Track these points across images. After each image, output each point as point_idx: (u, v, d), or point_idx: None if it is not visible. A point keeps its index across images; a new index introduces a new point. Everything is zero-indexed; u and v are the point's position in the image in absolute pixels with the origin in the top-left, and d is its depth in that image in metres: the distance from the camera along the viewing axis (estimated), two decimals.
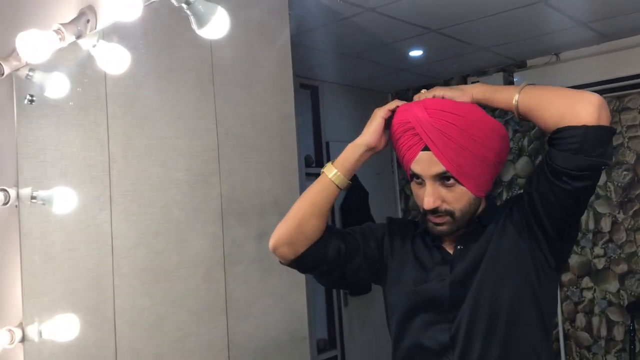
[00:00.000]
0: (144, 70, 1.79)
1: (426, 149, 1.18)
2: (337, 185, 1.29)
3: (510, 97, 1.16)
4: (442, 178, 1.18)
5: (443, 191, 1.19)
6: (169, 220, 1.84)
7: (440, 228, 1.21)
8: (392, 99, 1.32)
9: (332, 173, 1.29)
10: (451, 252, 1.27)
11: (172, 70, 1.89)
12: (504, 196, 3.79)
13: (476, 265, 1.21)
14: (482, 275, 1.20)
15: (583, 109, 1.06)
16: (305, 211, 1.29)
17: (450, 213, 1.19)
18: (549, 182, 1.11)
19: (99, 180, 1.69)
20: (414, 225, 1.37)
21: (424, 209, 1.21)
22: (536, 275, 1.20)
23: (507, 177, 3.79)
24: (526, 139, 3.72)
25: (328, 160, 3.89)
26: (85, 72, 1.53)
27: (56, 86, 1.41)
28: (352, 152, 1.30)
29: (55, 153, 1.59)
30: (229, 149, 2.01)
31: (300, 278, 2.22)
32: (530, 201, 1.17)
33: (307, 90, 3.78)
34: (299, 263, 1.30)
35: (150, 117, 1.82)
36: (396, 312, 1.30)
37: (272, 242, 1.30)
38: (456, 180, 1.18)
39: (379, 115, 1.29)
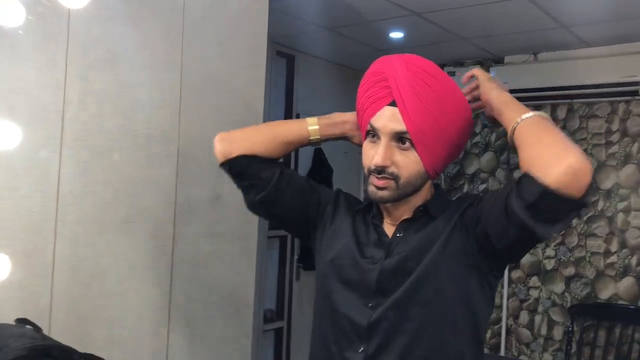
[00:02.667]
0: (110, 11, 1.71)
1: (393, 104, 1.14)
2: (309, 137, 1.32)
3: (516, 116, 1.09)
4: (400, 139, 1.14)
5: (396, 153, 1.15)
6: (121, 171, 1.78)
7: (381, 193, 1.16)
8: None
9: (314, 127, 1.32)
10: (389, 235, 1.23)
11: (141, 15, 1.81)
12: (465, 189, 3.82)
13: (416, 260, 1.16)
14: (422, 273, 1.14)
15: (555, 168, 0.95)
16: (265, 129, 1.37)
17: (395, 177, 1.15)
18: (501, 215, 1.05)
19: (51, 121, 1.62)
20: (359, 202, 1.34)
21: (369, 168, 1.17)
22: (478, 284, 1.16)
23: (470, 170, 3.81)
24: (494, 134, 3.74)
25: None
26: (46, 3, 1.45)
27: (10, 13, 1.32)
28: (340, 121, 1.33)
29: (4, 85, 1.51)
30: (191, 106, 1.95)
31: (251, 246, 2.20)
32: (483, 215, 1.12)
33: (283, 58, 3.71)
34: (230, 163, 1.32)
35: (112, 62, 1.74)
36: (321, 281, 1.27)
37: (220, 134, 1.36)
38: (412, 145, 1.14)
39: None
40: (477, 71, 1.25)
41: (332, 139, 1.35)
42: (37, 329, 1.43)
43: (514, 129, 1.08)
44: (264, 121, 2.26)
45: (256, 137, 1.33)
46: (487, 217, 1.10)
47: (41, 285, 1.61)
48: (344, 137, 1.35)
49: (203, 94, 2.00)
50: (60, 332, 1.62)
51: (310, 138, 1.32)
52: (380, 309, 1.16)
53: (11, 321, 1.42)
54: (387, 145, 1.14)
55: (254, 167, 1.31)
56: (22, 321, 1.42)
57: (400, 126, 1.13)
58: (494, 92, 1.19)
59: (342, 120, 1.33)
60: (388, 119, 1.14)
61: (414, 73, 1.15)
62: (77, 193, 1.68)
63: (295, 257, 3.79)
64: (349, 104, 1.37)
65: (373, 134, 1.17)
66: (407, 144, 1.14)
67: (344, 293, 1.21)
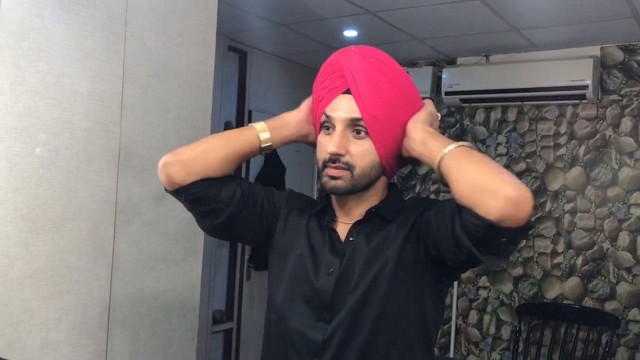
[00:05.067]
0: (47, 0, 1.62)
1: (347, 92, 1.12)
2: (260, 145, 1.22)
3: (440, 149, 1.05)
4: (354, 127, 1.12)
5: (351, 142, 1.12)
6: (58, 166, 1.69)
7: (335, 182, 1.13)
8: None
9: (263, 133, 1.21)
10: (342, 238, 1.19)
11: (80, 3, 1.71)
12: (417, 189, 3.83)
13: (369, 269, 1.13)
14: (374, 283, 1.12)
15: (495, 203, 0.92)
16: (217, 143, 1.22)
17: (350, 167, 1.12)
18: (449, 239, 1.03)
19: None
20: (313, 203, 1.30)
21: (324, 158, 1.14)
22: (428, 292, 1.15)
23: (422, 170, 3.83)
24: (446, 134, 3.77)
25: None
26: None
27: None
28: (287, 122, 1.25)
29: None
30: (134, 99, 1.87)
31: (197, 246, 2.12)
32: (433, 231, 1.09)
33: (236, 53, 3.63)
34: (187, 190, 1.17)
35: (48, 51, 1.65)
36: (275, 296, 1.22)
37: (166, 158, 1.18)
38: (367, 134, 1.12)
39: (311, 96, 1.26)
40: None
41: (286, 143, 1.27)
42: None
43: (441, 160, 1.04)
44: (213, 116, 2.20)
45: (211, 158, 1.19)
46: (435, 235, 1.08)
47: None
48: (297, 139, 1.28)
49: (147, 87, 1.92)
50: None
51: (262, 146, 1.22)
52: (335, 322, 1.13)
53: None
54: (342, 133, 1.12)
55: (212, 190, 1.18)
56: None
57: (355, 113, 1.12)
58: (412, 143, 1.14)
59: (295, 121, 1.26)
60: (343, 107, 1.13)
61: (368, 61, 1.14)
62: (8, 189, 1.57)
63: (246, 256, 3.72)
64: (301, 100, 1.32)
65: (328, 125, 1.15)
66: (362, 133, 1.12)
67: (295, 308, 1.17)
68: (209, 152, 1.19)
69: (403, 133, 1.15)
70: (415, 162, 1.17)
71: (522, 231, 0.96)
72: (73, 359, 1.74)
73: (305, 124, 1.26)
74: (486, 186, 0.95)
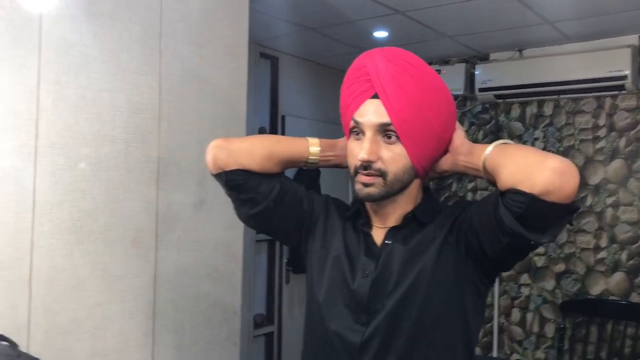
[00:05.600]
0: (84, 14, 1.66)
1: (375, 97, 1.11)
2: (308, 157, 1.26)
3: (483, 149, 1.09)
4: (384, 132, 1.11)
5: (382, 148, 1.11)
6: (100, 178, 1.73)
7: (368, 190, 1.13)
8: None
9: (314, 147, 1.26)
10: (378, 243, 1.19)
11: (116, 16, 1.76)
12: (454, 187, 3.80)
13: (407, 271, 1.12)
14: (413, 285, 1.11)
15: (540, 175, 0.94)
16: (266, 142, 1.27)
17: (382, 173, 1.11)
18: (492, 224, 1.03)
19: (24, 129, 1.57)
20: (349, 208, 1.29)
21: (355, 165, 1.13)
22: (469, 295, 1.14)
23: None
24: (481, 131, 3.72)
25: (283, 134, 3.80)
26: (15, 8, 1.40)
27: None
28: (337, 148, 1.28)
29: None
30: (170, 109, 1.90)
31: (236, 251, 2.15)
32: (474, 224, 1.10)
33: (267, 60, 3.66)
34: (227, 175, 1.22)
35: (87, 66, 1.69)
36: (315, 298, 1.22)
37: (217, 141, 1.25)
38: (397, 138, 1.11)
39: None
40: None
41: (331, 166, 1.29)
42: (12, 344, 1.37)
43: (485, 161, 1.08)
44: (247, 123, 2.22)
45: (256, 153, 1.22)
46: (478, 226, 1.08)
47: (18, 298, 1.56)
48: (342, 166, 1.29)
49: (183, 97, 1.95)
50: (39, 347, 1.57)
51: (309, 158, 1.26)
52: (373, 325, 1.12)
53: None
54: (372, 139, 1.11)
55: (252, 181, 1.22)
56: None
57: (384, 118, 1.10)
58: (460, 156, 1.17)
59: (343, 147, 1.26)
60: (371, 112, 1.11)
61: (394, 64, 1.12)
62: (53, 202, 1.62)
63: (284, 260, 3.75)
64: (334, 105, 1.33)
65: (357, 130, 1.14)
66: (393, 137, 1.11)
67: (334, 310, 1.17)
68: (256, 147, 1.24)
69: (433, 133, 1.13)
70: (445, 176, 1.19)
71: (567, 209, 0.96)
72: None
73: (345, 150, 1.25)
74: (531, 162, 0.97)
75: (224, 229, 2.05)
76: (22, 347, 1.41)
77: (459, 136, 1.18)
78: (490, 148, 1.08)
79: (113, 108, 1.76)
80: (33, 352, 1.45)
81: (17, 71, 1.55)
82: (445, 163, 1.19)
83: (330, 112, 1.24)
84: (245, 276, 2.29)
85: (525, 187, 0.95)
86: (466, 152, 1.14)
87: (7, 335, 1.39)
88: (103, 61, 1.73)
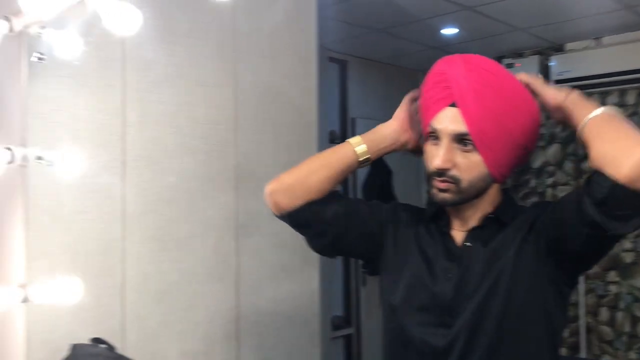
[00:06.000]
0: (162, 33, 1.75)
1: (453, 105, 1.10)
2: (359, 160, 1.23)
3: (585, 114, 1.06)
4: (461, 140, 1.10)
5: (457, 155, 1.11)
6: (182, 188, 1.82)
7: (443, 195, 1.13)
8: (423, 78, 1.24)
9: (360, 147, 1.23)
10: (458, 244, 1.19)
11: (192, 35, 1.84)
12: (532, 183, 3.68)
13: (488, 272, 1.11)
14: (494, 284, 1.10)
15: (625, 162, 0.92)
16: (316, 166, 1.25)
17: (456, 180, 1.11)
18: (572, 215, 1.02)
19: (113, 145, 1.67)
20: (421, 212, 1.29)
21: (430, 171, 1.13)
22: (551, 294, 1.12)
23: (536, 164, 3.67)
24: (560, 126, 3.59)
25: (354, 136, 3.82)
26: (101, 33, 1.50)
27: (68, 46, 1.38)
28: (384, 133, 1.25)
29: (68, 114, 1.57)
30: (246, 120, 1.97)
31: (313, 255, 2.18)
32: (555, 220, 1.08)
33: (335, 64, 3.70)
34: (293, 216, 1.23)
35: (167, 83, 1.79)
36: (392, 305, 1.22)
37: (271, 185, 1.25)
38: (474, 147, 1.10)
39: (404, 101, 1.25)
40: (523, 77, 1.17)
41: (385, 154, 1.28)
42: (110, 347, 1.47)
43: (583, 127, 1.05)
44: (319, 130, 2.26)
45: (312, 182, 1.22)
46: (558, 220, 1.07)
47: (112, 304, 1.66)
48: (395, 149, 1.28)
49: (257, 107, 2.01)
50: (133, 349, 1.66)
51: (360, 160, 1.24)
52: (456, 326, 1.12)
53: (86, 341, 1.47)
54: (448, 147, 1.11)
55: (318, 213, 1.22)
56: (96, 340, 1.47)
57: (461, 127, 1.09)
58: (560, 94, 1.13)
59: (391, 130, 1.26)
60: (449, 120, 1.11)
61: (475, 73, 1.11)
62: (140, 212, 1.72)
63: (360, 262, 3.77)
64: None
65: (435, 135, 1.14)
66: (469, 145, 1.10)
67: (416, 316, 1.17)
68: (309, 177, 1.23)
69: (514, 143, 1.12)
70: (526, 160, 1.16)
71: None
72: None
73: (402, 133, 1.25)
74: (621, 146, 0.96)
75: None
76: (118, 350, 1.50)
77: (552, 97, 1.14)
78: (593, 114, 1.04)
79: (192, 121, 1.84)
80: (128, 355, 1.54)
81: (104, 91, 1.66)
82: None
83: None
84: (322, 279, 2.34)
85: (610, 171, 0.93)
86: (570, 106, 1.11)
87: (104, 338, 1.50)
88: (181, 77, 1.82)
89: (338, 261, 3.72)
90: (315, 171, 1.24)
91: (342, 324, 3.70)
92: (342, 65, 3.73)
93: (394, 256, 1.25)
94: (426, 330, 1.15)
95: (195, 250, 1.84)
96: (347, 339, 3.74)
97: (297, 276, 2.14)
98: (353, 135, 3.77)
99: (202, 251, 1.86)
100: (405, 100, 1.26)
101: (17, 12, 1.32)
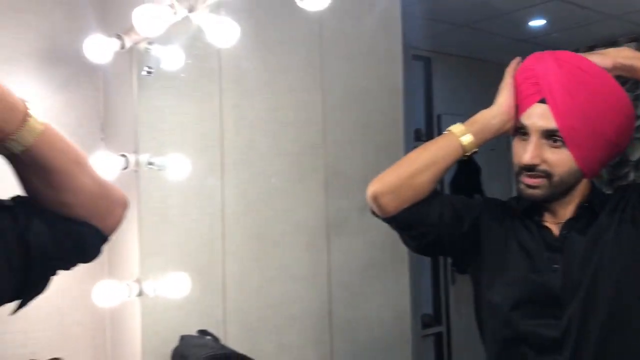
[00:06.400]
0: (254, 43, 1.85)
1: (542, 102, 1.10)
2: (464, 151, 1.17)
3: None
4: (550, 136, 1.09)
5: (547, 151, 1.09)
6: (276, 189, 1.91)
7: (532, 191, 1.11)
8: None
9: (466, 137, 1.16)
10: (556, 235, 1.17)
11: (282, 42, 1.93)
12: (631, 177, 3.51)
13: (590, 259, 1.11)
14: (600, 269, 1.09)
15: None
16: (422, 164, 1.18)
17: (548, 175, 1.10)
18: None
19: (212, 149, 1.79)
20: (510, 206, 1.27)
21: (519, 166, 1.12)
22: None
23: (635, 156, 3.49)
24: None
25: (439, 134, 3.80)
26: (200, 45, 1.61)
27: (173, 59, 1.50)
28: (490, 120, 1.18)
29: (173, 122, 1.70)
30: (334, 122, 2.03)
31: (403, 252, 2.22)
32: None
33: (419, 61, 3.70)
34: (398, 219, 1.18)
35: (260, 90, 1.88)
36: (492, 301, 1.21)
37: (374, 187, 1.17)
38: (563, 143, 1.08)
39: (508, 75, 1.19)
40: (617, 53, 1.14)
41: (488, 140, 1.22)
42: (215, 339, 1.58)
43: None
44: (404, 128, 2.29)
45: (417, 183, 1.17)
46: None
47: (214, 299, 1.77)
48: (499, 135, 1.21)
49: (344, 108, 2.07)
50: (234, 341, 1.77)
51: (467, 151, 1.18)
52: (567, 316, 1.12)
53: (194, 332, 1.58)
54: (537, 143, 1.10)
55: (423, 215, 1.19)
56: (202, 332, 1.58)
57: (550, 124, 1.09)
58: (612, 53, 1.11)
59: (497, 116, 1.18)
60: (538, 116, 1.10)
61: (566, 70, 1.10)
62: (239, 213, 1.83)
63: (449, 260, 3.74)
64: (490, 98, 1.30)
65: (523, 131, 1.14)
66: (559, 142, 1.10)
67: (521, 309, 1.16)
68: (416, 177, 1.18)
69: (604, 140, 1.10)
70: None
71: None
72: None
73: (507, 120, 1.19)
74: None
75: (390, 231, 2.12)
76: (221, 341, 1.61)
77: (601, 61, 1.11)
78: None
79: (284, 124, 1.93)
80: (230, 346, 1.64)
81: (203, 100, 1.77)
82: None
83: (488, 106, 1.23)
84: (411, 276, 2.36)
85: None
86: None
87: (209, 330, 1.61)
88: (273, 84, 1.91)
89: (426, 259, 3.71)
90: (422, 170, 1.18)
91: (431, 322, 3.69)
92: (426, 62, 3.72)
93: (491, 252, 1.24)
94: (535, 322, 1.15)
95: (289, 248, 1.93)
96: (437, 337, 3.72)
97: (388, 274, 2.18)
98: (439, 133, 3.74)
99: (296, 249, 1.94)
100: (508, 84, 1.19)
101: (127, 31, 1.45)
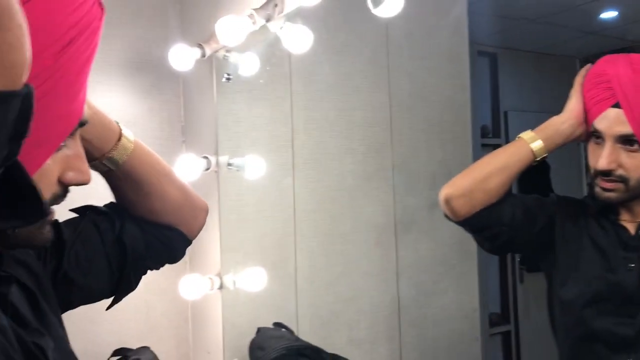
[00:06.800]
0: (323, 47, 1.90)
1: (616, 106, 1.10)
2: (535, 156, 1.20)
3: None
4: (626, 141, 1.09)
5: (622, 155, 1.10)
6: (344, 187, 1.97)
7: (608, 194, 1.12)
8: (581, 65, 1.23)
9: (536, 143, 1.19)
10: (632, 234, 1.17)
11: (349, 45, 1.98)
12: None
13: None
14: None
15: None
16: (494, 169, 1.21)
17: (624, 180, 1.10)
18: None
19: (283, 150, 1.86)
20: (584, 204, 1.27)
21: (595, 170, 1.13)
22: None
23: None
24: None
25: (506, 130, 3.74)
26: (273, 52, 1.69)
27: (248, 65, 1.58)
28: (559, 125, 1.20)
29: (247, 125, 1.78)
30: (401, 120, 2.07)
31: (471, 250, 2.22)
32: None
33: (485, 57, 3.66)
34: (471, 221, 1.22)
35: (328, 92, 1.94)
36: (565, 299, 1.22)
37: (447, 191, 1.21)
38: None
39: (577, 81, 1.20)
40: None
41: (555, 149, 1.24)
42: (290, 331, 1.65)
43: None
44: (472, 126, 2.29)
45: (489, 187, 1.20)
46: None
47: (287, 293, 1.85)
48: (569, 142, 1.24)
49: (411, 107, 2.11)
50: (306, 334, 1.83)
51: (537, 158, 1.20)
52: None
53: (270, 324, 1.66)
54: (612, 148, 1.11)
55: (496, 217, 1.21)
56: (278, 325, 1.66)
57: (626, 129, 1.09)
58: None
59: (566, 123, 1.20)
60: (612, 121, 1.10)
61: (639, 73, 1.10)
62: (309, 210, 1.89)
63: (517, 259, 3.68)
64: (560, 94, 1.30)
65: (597, 135, 1.15)
66: (635, 145, 1.10)
67: (595, 307, 1.17)
68: (488, 181, 1.21)
69: None
70: None
71: None
72: (373, 355, 1.99)
73: (577, 126, 1.21)
74: None
75: (458, 229, 2.14)
76: (295, 334, 1.68)
77: None
78: None
79: (351, 125, 1.98)
80: (303, 339, 1.71)
81: (275, 103, 1.85)
82: None
83: (559, 101, 1.21)
84: (480, 275, 2.36)
85: None
86: None
87: (284, 323, 1.68)
88: (340, 86, 1.96)
89: (494, 258, 3.67)
90: (494, 175, 1.21)
91: (499, 321, 3.65)
92: (492, 58, 3.67)
93: (565, 250, 1.25)
94: (610, 320, 1.15)
95: (358, 245, 1.98)
96: (505, 336, 3.67)
97: (456, 271, 2.19)
98: (506, 130, 3.68)
99: (365, 246, 1.99)
100: (578, 91, 1.21)
101: (207, 40, 1.54)
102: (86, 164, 0.68)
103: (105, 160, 0.82)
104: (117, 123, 0.84)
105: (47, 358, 0.62)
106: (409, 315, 2.07)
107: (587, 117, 1.17)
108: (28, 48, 0.44)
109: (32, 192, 0.49)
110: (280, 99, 1.86)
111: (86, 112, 0.68)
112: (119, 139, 0.82)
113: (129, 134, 0.84)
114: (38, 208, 0.49)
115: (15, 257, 0.72)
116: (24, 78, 0.44)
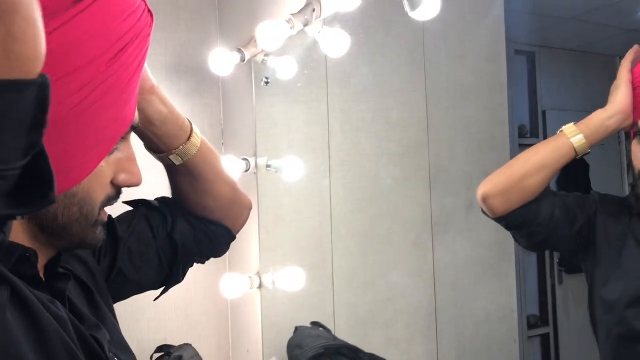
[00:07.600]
0: (360, 49, 1.92)
1: None
2: (576, 153, 1.17)
3: None
4: None
5: None
6: (381, 188, 1.97)
7: None
8: (620, 63, 1.20)
9: (577, 138, 1.15)
10: None
11: (386, 46, 1.99)
12: None
13: None
14: None
15: None
16: (532, 167, 1.18)
17: None
18: None
19: (320, 152, 1.88)
20: (625, 202, 1.25)
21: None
22: None
23: None
24: None
25: (544, 130, 3.68)
26: (310, 55, 1.71)
27: (286, 69, 1.61)
28: (604, 120, 1.15)
29: (284, 127, 1.81)
30: (437, 120, 2.07)
31: (509, 250, 2.20)
32: None
33: (522, 56, 3.61)
34: (507, 219, 1.22)
35: (364, 93, 1.96)
36: (607, 298, 1.20)
37: (484, 189, 1.21)
38: None
39: (624, 69, 1.16)
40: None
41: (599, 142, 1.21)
42: (327, 330, 1.67)
43: None
44: (510, 126, 2.27)
45: (527, 185, 1.18)
46: None
47: (325, 293, 1.87)
48: (614, 132, 1.21)
49: (448, 107, 2.10)
50: (343, 334, 1.85)
51: (578, 156, 1.18)
52: None
53: (307, 323, 1.68)
54: None
55: (534, 215, 1.20)
56: (315, 324, 1.68)
57: None
58: None
59: (614, 114, 1.15)
60: None
61: None
62: (346, 211, 1.91)
63: (556, 260, 3.62)
64: (599, 92, 1.28)
65: None
66: None
67: (636, 306, 1.15)
68: (526, 179, 1.19)
69: None
70: None
71: None
72: (410, 354, 1.99)
73: (624, 119, 1.16)
74: None
75: (495, 229, 2.10)
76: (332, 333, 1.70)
77: None
78: None
79: (387, 125, 1.99)
80: (340, 338, 1.73)
81: (311, 105, 1.87)
82: None
83: (598, 100, 1.19)
84: (518, 276, 2.34)
85: None
86: None
87: (321, 322, 1.70)
88: (376, 87, 1.97)
89: (532, 258, 3.62)
90: (533, 173, 1.19)
91: (537, 323, 3.59)
92: (530, 57, 3.62)
93: (606, 249, 1.23)
94: None
95: (395, 245, 1.98)
96: (544, 338, 3.62)
97: (493, 272, 2.17)
98: (544, 128, 3.63)
99: (402, 246, 1.99)
100: (625, 80, 1.16)
101: (246, 44, 1.57)
102: (137, 167, 0.71)
103: (172, 155, 0.85)
104: (189, 121, 0.87)
105: (104, 349, 0.65)
106: (446, 315, 2.06)
107: (635, 114, 1.15)
108: (38, 40, 0.43)
109: (48, 182, 0.48)
110: (316, 101, 1.88)
111: (161, 110, 0.71)
112: (189, 137, 0.85)
113: (198, 133, 0.87)
114: (46, 195, 0.47)
115: (74, 253, 0.75)
116: (37, 68, 0.44)
